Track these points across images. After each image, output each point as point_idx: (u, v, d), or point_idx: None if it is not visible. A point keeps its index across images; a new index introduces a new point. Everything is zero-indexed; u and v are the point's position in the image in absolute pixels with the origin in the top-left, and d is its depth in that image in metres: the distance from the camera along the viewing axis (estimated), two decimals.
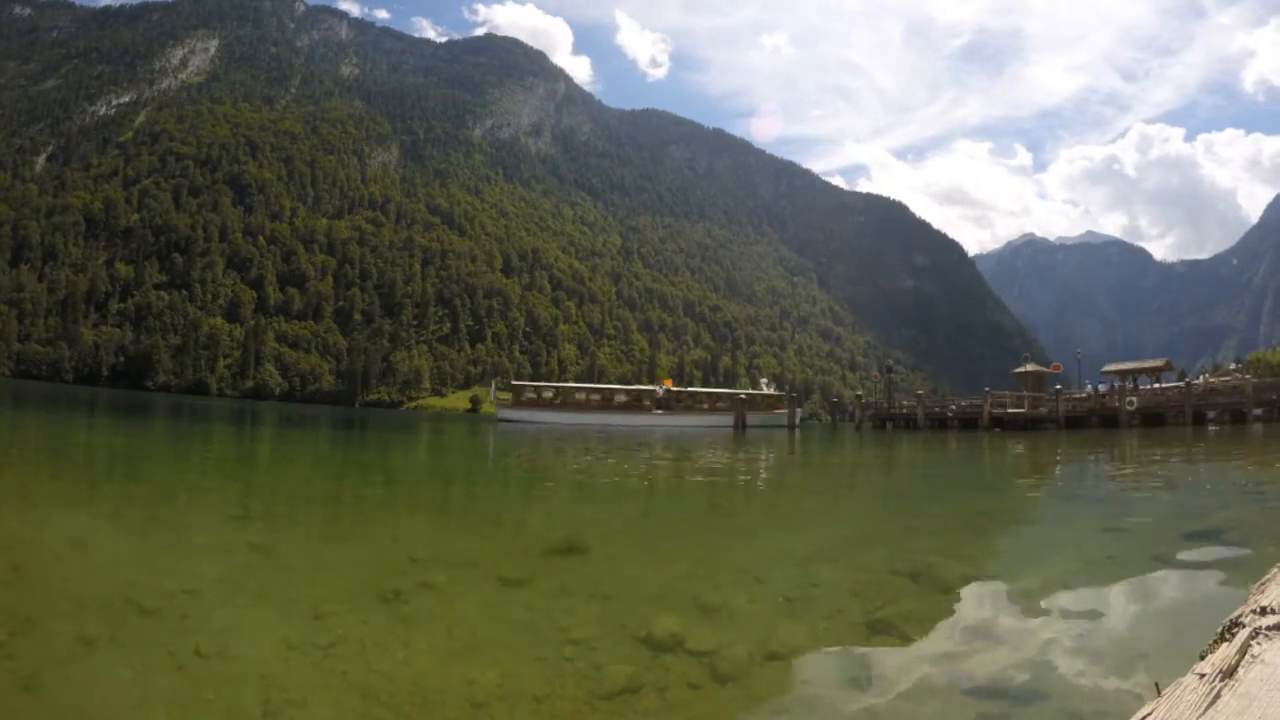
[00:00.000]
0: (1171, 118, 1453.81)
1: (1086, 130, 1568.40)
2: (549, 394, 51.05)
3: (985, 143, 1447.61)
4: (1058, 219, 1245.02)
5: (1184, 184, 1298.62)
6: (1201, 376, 43.36)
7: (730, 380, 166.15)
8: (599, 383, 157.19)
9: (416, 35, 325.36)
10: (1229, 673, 1.15)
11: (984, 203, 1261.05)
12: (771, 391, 54.96)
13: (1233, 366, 49.51)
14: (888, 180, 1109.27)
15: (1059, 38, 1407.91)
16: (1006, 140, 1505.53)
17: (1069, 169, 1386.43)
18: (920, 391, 57.24)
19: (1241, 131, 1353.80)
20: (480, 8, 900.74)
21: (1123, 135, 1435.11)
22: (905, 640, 3.41)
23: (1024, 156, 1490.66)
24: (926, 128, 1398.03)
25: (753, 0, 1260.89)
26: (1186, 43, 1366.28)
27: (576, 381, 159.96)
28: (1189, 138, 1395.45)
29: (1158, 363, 41.88)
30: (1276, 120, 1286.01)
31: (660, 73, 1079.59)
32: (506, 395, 50.17)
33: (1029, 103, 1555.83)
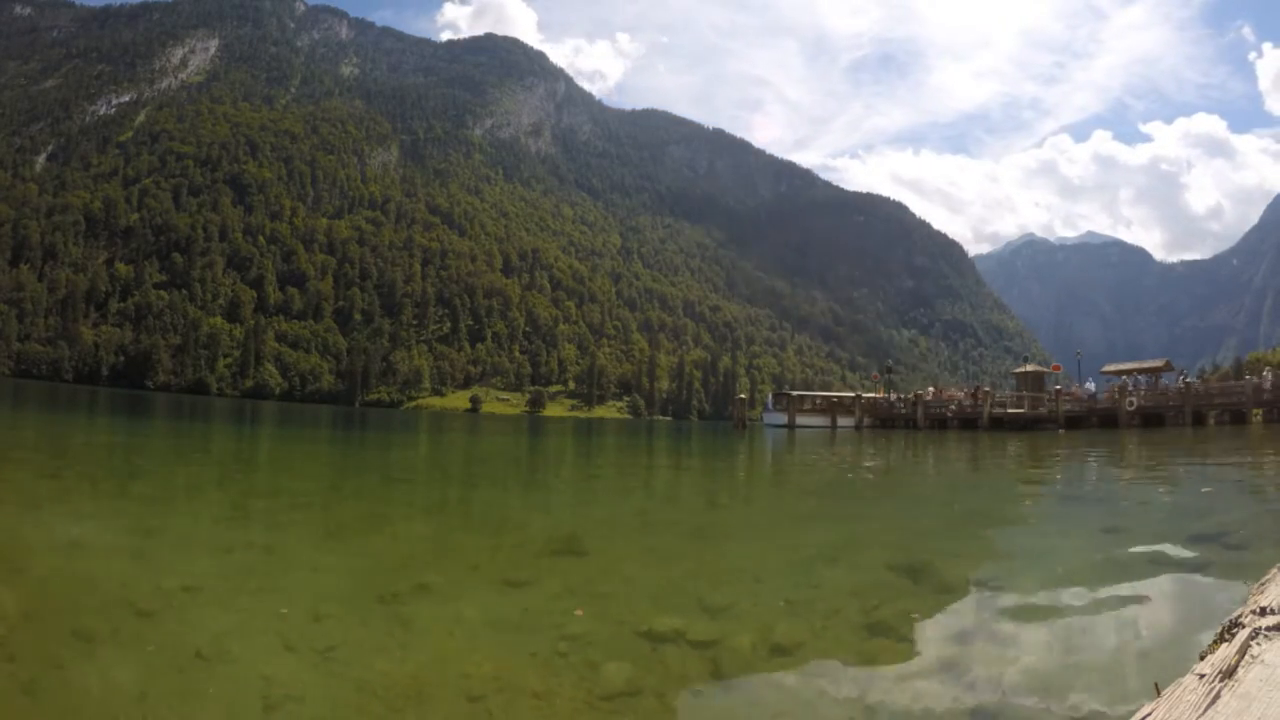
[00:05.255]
0: (1099, 120, 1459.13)
1: (1011, 134, 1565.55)
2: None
3: (908, 148, 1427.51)
4: (996, 218, 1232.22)
5: (1145, 177, 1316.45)
6: (1199, 378, 43.24)
7: (730, 380, 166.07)
8: (599, 381, 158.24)
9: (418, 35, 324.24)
10: (1229, 673, 1.16)
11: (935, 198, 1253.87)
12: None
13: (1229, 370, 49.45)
14: (849, 176, 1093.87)
15: (960, 43, 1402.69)
16: (932, 145, 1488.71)
17: (1012, 171, 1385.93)
18: (926, 389, 56.90)
19: (1167, 122, 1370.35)
20: (449, 10, 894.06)
21: (1048, 138, 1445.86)
22: (904, 640, 3.41)
23: (955, 159, 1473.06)
24: (848, 136, 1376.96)
25: (645, 28, 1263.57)
26: (1099, 46, 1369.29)
27: (576, 380, 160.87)
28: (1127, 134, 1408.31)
29: (1158, 363, 41.81)
30: (1204, 109, 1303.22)
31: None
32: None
33: (945, 109, 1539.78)
